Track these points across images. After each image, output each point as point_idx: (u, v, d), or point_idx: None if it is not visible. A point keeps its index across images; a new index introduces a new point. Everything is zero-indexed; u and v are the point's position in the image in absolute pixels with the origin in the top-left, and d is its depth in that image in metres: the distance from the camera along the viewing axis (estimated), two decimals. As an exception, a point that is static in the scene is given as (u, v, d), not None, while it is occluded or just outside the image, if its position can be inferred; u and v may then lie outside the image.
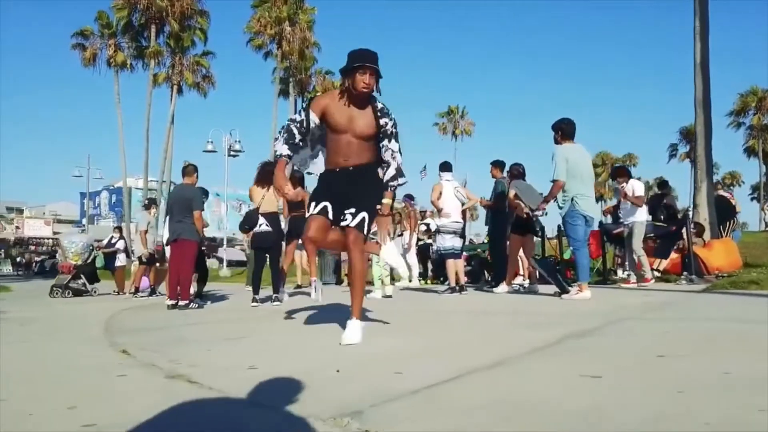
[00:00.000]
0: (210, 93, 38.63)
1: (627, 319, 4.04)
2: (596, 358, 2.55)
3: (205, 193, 7.40)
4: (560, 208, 6.17)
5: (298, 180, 8.25)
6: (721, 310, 4.63)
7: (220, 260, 30.95)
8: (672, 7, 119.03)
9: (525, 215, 7.76)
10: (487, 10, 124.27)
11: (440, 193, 7.82)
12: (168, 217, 7.15)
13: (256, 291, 6.78)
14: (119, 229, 13.45)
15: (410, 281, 10.79)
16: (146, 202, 11.10)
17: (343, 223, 3.45)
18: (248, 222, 6.76)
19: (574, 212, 6.12)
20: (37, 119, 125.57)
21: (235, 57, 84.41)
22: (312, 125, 3.57)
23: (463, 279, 8.22)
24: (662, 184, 11.15)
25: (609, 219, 9.82)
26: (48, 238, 51.36)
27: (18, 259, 45.99)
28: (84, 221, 48.93)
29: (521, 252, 8.31)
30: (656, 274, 8.72)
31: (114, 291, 11.18)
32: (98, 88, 76.44)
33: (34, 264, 42.53)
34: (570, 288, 6.28)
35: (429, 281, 12.66)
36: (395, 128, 3.58)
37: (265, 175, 6.84)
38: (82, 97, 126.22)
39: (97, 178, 43.53)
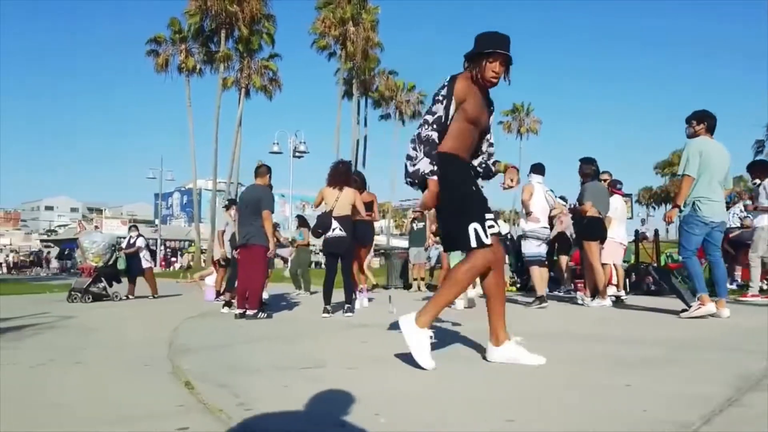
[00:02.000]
0: (276, 95, 39.05)
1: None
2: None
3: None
4: (680, 211, 5.30)
5: (361, 183, 7.65)
6: None
7: (285, 260, 31.09)
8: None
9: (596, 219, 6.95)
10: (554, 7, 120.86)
11: (531, 194, 7.07)
12: (238, 220, 6.74)
13: (327, 301, 6.25)
14: (136, 227, 12.47)
15: (473, 287, 10.04)
16: (226, 202, 10.53)
17: (492, 231, 3.05)
18: (321, 226, 6.24)
19: (694, 218, 5.25)
20: (115, 124, 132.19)
21: (300, 59, 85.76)
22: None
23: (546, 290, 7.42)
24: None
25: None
26: (124, 238, 53.61)
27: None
28: (157, 221, 50.52)
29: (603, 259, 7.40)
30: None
31: (150, 295, 10.68)
32: (171, 93, 79.23)
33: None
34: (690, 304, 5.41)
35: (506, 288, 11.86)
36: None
37: (339, 176, 6.33)
38: (155, 101, 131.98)
39: (169, 179, 44.85)
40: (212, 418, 2.15)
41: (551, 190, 7.85)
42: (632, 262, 9.80)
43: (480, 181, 3.34)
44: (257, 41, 37.36)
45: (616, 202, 8.24)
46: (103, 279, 9.86)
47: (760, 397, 2.33)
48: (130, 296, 10.58)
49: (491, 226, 3.02)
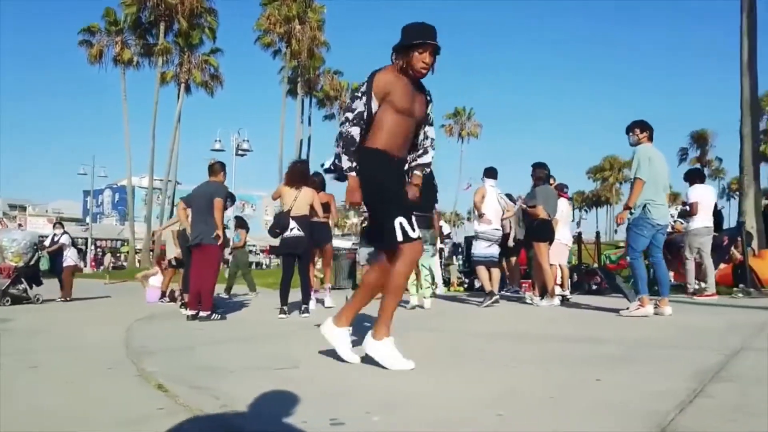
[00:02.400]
0: (217, 92, 38.16)
1: (746, 350, 3.44)
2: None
3: (231, 196, 6.68)
4: (631, 213, 5.56)
5: (320, 184, 7.61)
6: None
7: (225, 261, 30.43)
8: (681, 9, 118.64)
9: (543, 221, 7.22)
10: (496, 10, 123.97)
11: (483, 197, 7.25)
12: (190, 219, 6.53)
13: (284, 301, 6.18)
14: (60, 224, 11.29)
15: (435, 287, 10.19)
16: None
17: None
18: (279, 226, 6.15)
19: (644, 220, 5.52)
20: (41, 117, 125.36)
21: (244, 55, 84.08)
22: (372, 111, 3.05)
23: (496, 289, 7.62)
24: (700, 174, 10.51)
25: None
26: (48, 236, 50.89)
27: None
28: (88, 219, 48.31)
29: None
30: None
31: (60, 298, 9.78)
32: (104, 86, 75.97)
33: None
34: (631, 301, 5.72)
35: (452, 288, 12.10)
36: (432, 112, 3.29)
37: (297, 176, 6.27)
38: (87, 94, 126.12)
39: (101, 176, 43.02)
40: (200, 423, 2.09)
41: (509, 194, 8.09)
42: (574, 262, 10.20)
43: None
44: (198, 35, 36.40)
45: (562, 204, 8.56)
46: (23, 280, 9.13)
47: (722, 387, 2.49)
48: (67, 298, 9.86)
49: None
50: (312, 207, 6.27)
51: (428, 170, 3.32)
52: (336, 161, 3.11)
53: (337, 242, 40.46)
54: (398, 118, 3.03)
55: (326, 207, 8.14)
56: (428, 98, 3.21)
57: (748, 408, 2.16)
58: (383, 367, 2.93)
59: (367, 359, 3.04)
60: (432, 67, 3.06)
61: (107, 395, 2.59)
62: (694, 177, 8.25)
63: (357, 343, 3.24)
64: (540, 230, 7.25)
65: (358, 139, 3.02)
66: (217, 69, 37.45)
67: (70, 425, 2.12)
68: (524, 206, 7.47)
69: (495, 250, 7.45)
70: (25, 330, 5.44)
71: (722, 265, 8.78)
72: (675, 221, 9.45)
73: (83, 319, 6.80)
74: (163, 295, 9.14)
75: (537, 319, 5.85)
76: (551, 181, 8.54)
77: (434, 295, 7.89)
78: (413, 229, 2.98)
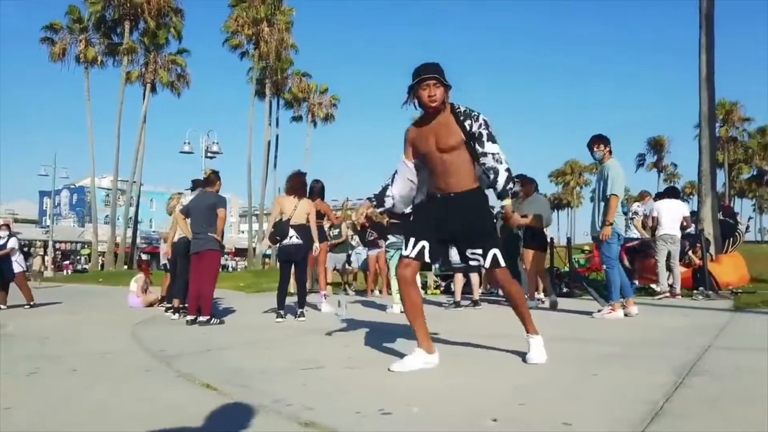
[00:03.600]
0: (185, 93, 37.89)
1: (713, 348, 3.90)
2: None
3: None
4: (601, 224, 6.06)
5: (319, 191, 7.96)
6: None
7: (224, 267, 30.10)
8: (638, 16, 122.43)
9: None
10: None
11: None
12: (191, 228, 6.74)
13: (281, 306, 6.45)
14: (7, 226, 10.30)
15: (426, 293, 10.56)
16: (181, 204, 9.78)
17: (473, 263, 3.41)
18: (279, 233, 6.43)
19: (613, 231, 6.01)
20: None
21: (212, 56, 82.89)
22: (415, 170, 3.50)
23: (479, 292, 8.05)
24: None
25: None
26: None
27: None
28: (47, 219, 46.97)
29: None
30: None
31: (26, 304, 9.50)
32: (67, 85, 73.87)
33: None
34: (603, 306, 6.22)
35: (429, 291, 12.46)
36: (487, 128, 3.32)
37: (298, 186, 6.58)
38: (49, 93, 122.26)
39: (62, 177, 41.94)
40: (268, 416, 2.38)
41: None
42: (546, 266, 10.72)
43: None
44: (164, 35, 36.06)
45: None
46: None
47: (699, 380, 2.92)
48: (2, 306, 9.47)
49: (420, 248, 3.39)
50: (309, 217, 6.57)
51: (511, 187, 3.41)
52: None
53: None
54: (425, 162, 3.41)
55: (320, 214, 8.45)
56: (462, 117, 3.31)
57: (724, 396, 2.58)
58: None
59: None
60: (444, 98, 3.29)
61: (160, 395, 2.86)
62: (662, 194, 8.98)
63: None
64: (528, 236, 7.68)
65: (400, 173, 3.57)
66: (183, 69, 37.21)
67: (143, 423, 2.38)
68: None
69: None
70: (28, 336, 5.56)
71: (682, 269, 9.42)
72: (633, 217, 10.03)
73: (77, 324, 6.91)
74: (163, 300, 9.21)
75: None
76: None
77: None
78: (410, 249, 3.40)
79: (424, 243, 3.38)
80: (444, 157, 3.32)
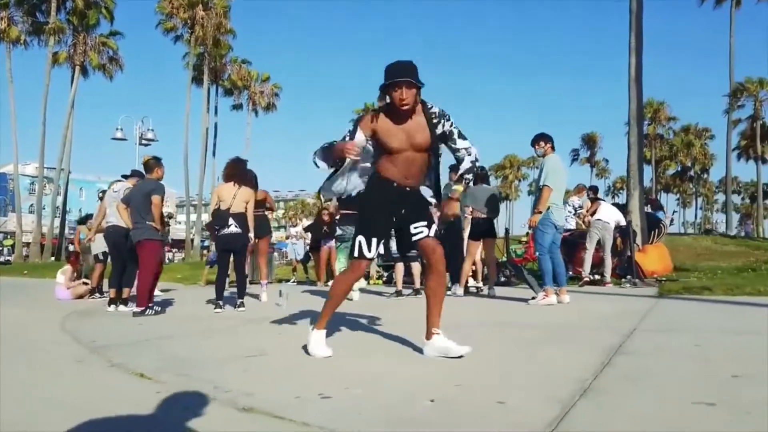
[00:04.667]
0: (118, 77, 36.32)
1: (638, 331, 4.13)
2: (667, 393, 2.54)
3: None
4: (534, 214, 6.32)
5: (251, 181, 7.81)
6: (706, 319, 4.86)
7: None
8: (570, 14, 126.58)
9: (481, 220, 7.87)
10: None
11: None
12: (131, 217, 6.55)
13: (219, 296, 6.33)
14: None
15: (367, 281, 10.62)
16: (100, 193, 9.44)
17: (418, 237, 3.39)
18: (219, 222, 6.29)
19: (549, 220, 6.27)
20: None
21: (147, 40, 79.44)
22: (363, 144, 3.36)
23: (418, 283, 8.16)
24: (595, 190, 11.70)
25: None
26: None
27: None
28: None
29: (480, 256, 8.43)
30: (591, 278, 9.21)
31: None
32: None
33: None
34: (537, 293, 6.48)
35: (372, 281, 12.55)
36: (455, 126, 3.43)
37: (236, 173, 6.44)
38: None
39: (-19, 163, 39.35)
40: (209, 403, 2.36)
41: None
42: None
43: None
44: (95, 15, 34.36)
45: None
46: None
47: (624, 359, 3.10)
48: None
49: (418, 232, 3.38)
50: (248, 205, 6.44)
51: (470, 176, 3.51)
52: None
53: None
54: (392, 156, 3.33)
55: (261, 203, 8.32)
56: (436, 119, 3.37)
57: (645, 374, 2.76)
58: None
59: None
60: (416, 98, 3.27)
61: (93, 385, 2.77)
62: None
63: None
64: (472, 228, 7.93)
65: (326, 153, 3.42)
66: (116, 52, 35.70)
67: (83, 413, 2.30)
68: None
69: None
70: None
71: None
72: (578, 212, 10.46)
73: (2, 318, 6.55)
74: (93, 291, 8.88)
75: (461, 309, 6.42)
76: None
77: (361, 289, 8.31)
78: (369, 250, 3.33)
79: (382, 240, 3.44)
80: (415, 156, 3.36)
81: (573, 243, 9.87)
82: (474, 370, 2.91)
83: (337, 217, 7.53)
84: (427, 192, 3.58)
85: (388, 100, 3.30)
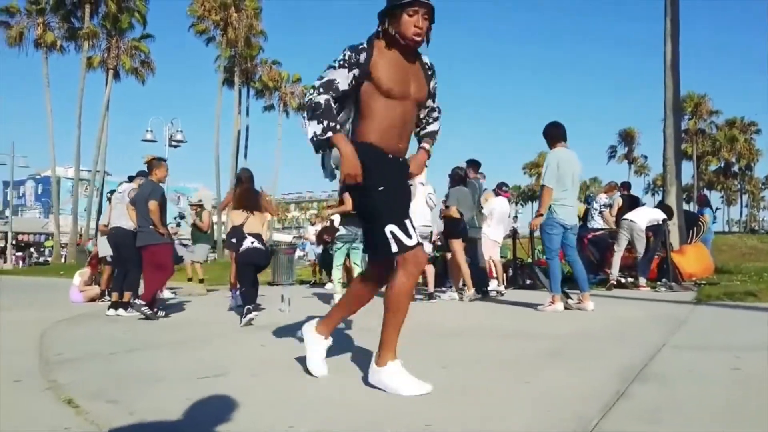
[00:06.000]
0: (150, 80, 36.75)
1: (668, 347, 3.55)
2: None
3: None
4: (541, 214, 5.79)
5: (247, 181, 7.50)
6: (750, 332, 4.23)
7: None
8: (612, 11, 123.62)
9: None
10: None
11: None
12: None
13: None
14: None
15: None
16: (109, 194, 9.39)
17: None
18: (236, 235, 6.04)
19: (552, 220, 5.75)
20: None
21: (178, 43, 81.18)
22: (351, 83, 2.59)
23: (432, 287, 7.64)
24: (627, 187, 10.98)
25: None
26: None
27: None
28: (7, 212, 45.45)
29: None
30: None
31: None
32: (25, 71, 71.76)
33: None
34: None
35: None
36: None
37: (242, 199, 6.30)
38: (5, 79, 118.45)
39: (22, 166, 40.51)
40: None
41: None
42: (510, 257, 10.43)
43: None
44: (127, 20, 34.83)
45: (500, 203, 8.73)
46: None
47: (643, 388, 2.54)
48: None
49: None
50: (264, 227, 6.28)
51: (436, 139, 2.94)
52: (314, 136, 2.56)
53: (277, 236, 39.98)
54: (389, 103, 2.58)
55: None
56: (430, 72, 2.77)
57: (669, 409, 2.22)
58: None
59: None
60: (427, 34, 2.60)
61: (9, 413, 2.38)
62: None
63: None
64: (451, 228, 7.40)
65: (331, 104, 2.55)
66: (147, 55, 36.08)
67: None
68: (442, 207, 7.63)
69: (428, 248, 7.48)
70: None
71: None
72: (602, 210, 9.79)
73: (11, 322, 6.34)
74: (103, 294, 8.71)
75: (471, 315, 5.91)
76: (474, 176, 8.69)
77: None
78: (409, 235, 2.53)
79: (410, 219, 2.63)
80: (412, 111, 2.70)
81: (603, 244, 9.21)
82: (460, 397, 2.42)
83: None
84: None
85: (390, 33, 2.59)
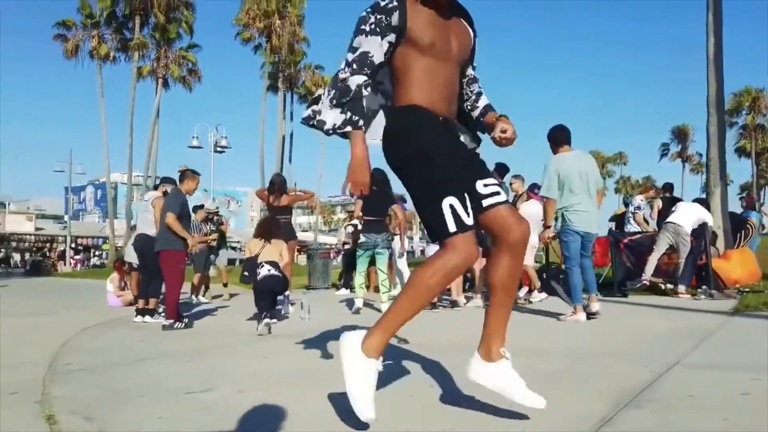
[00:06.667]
0: (196, 87, 37.78)
1: (680, 365, 3.34)
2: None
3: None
4: (554, 221, 5.61)
5: (280, 186, 7.76)
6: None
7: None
8: (669, 6, 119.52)
9: None
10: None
11: None
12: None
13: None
14: None
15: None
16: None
17: (493, 201, 2.22)
18: (249, 269, 6.09)
19: (566, 227, 5.56)
20: (19, 111, 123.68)
21: (223, 51, 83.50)
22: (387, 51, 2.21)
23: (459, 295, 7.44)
24: (669, 188, 10.52)
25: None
26: (30, 234, 50.24)
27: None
28: (66, 217, 47.63)
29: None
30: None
31: None
32: (81, 81, 75.05)
33: (21, 261, 41.82)
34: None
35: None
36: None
37: (261, 228, 6.49)
38: (64, 89, 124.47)
39: (79, 173, 42.36)
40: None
41: None
42: (543, 263, 10.13)
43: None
44: (175, 30, 35.95)
45: (530, 206, 8.48)
46: None
47: (634, 415, 2.39)
48: None
49: (492, 194, 2.23)
50: (281, 254, 6.26)
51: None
52: (316, 116, 2.23)
53: (322, 238, 40.18)
54: (432, 64, 2.21)
55: (287, 209, 8.02)
56: (472, 27, 2.38)
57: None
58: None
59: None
60: None
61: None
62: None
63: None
64: None
65: (358, 89, 2.16)
66: (194, 64, 37.11)
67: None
68: None
69: None
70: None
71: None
72: (635, 211, 9.39)
73: (28, 327, 6.59)
74: (136, 299, 8.98)
75: (479, 327, 5.76)
76: (517, 183, 8.49)
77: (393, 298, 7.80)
78: (468, 214, 2.12)
79: (466, 194, 2.17)
80: (456, 71, 2.33)
81: (640, 248, 8.82)
82: (425, 427, 2.33)
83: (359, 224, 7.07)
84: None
85: None
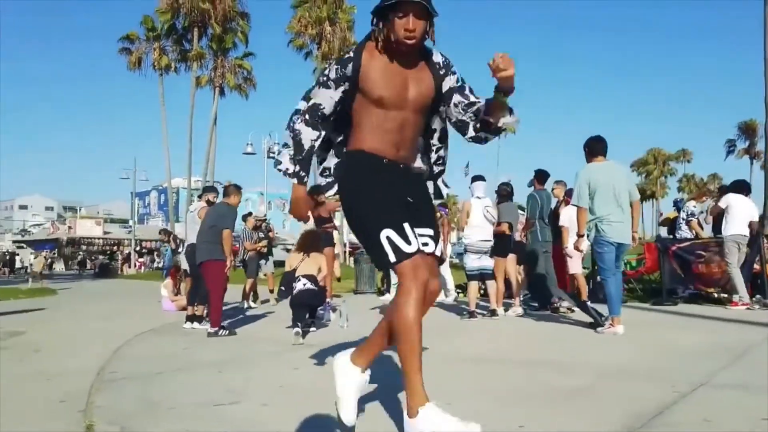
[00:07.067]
0: (251, 94, 38.84)
1: (707, 386, 3.27)
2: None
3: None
4: (588, 232, 5.56)
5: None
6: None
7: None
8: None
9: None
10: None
11: (468, 213, 7.25)
12: (197, 236, 6.88)
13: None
14: None
15: (446, 296, 10.06)
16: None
17: (425, 249, 2.30)
18: (285, 284, 6.30)
19: (600, 237, 5.53)
20: (89, 121, 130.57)
21: (276, 58, 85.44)
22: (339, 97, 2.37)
23: (498, 304, 7.39)
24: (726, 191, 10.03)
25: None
26: (98, 238, 53.03)
27: (75, 259, 48.22)
28: (131, 221, 49.97)
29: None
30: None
31: None
32: (145, 91, 78.49)
33: (90, 264, 44.23)
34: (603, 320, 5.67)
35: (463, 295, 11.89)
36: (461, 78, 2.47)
37: (301, 242, 6.68)
38: (129, 99, 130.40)
39: (142, 179, 44.37)
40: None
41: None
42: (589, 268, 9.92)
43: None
44: (231, 39, 37.10)
45: (570, 212, 8.33)
46: None
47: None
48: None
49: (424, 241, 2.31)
50: (320, 267, 6.43)
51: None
52: (278, 153, 2.49)
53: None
54: (383, 113, 2.32)
55: (326, 220, 8.22)
56: (442, 71, 2.42)
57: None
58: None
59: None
60: (427, 33, 2.30)
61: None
62: (728, 188, 8.23)
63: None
64: (498, 246, 7.31)
65: (311, 145, 2.38)
66: (250, 72, 38.16)
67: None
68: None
69: (487, 262, 7.32)
70: (26, 347, 5.64)
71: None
72: (689, 219, 9.07)
73: (85, 333, 7.01)
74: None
75: (507, 338, 5.76)
76: (558, 188, 8.37)
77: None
78: (409, 241, 2.20)
79: (408, 223, 2.27)
80: (411, 119, 2.38)
81: (690, 256, 8.52)
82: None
83: None
84: (428, 189, 2.60)
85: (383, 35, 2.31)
